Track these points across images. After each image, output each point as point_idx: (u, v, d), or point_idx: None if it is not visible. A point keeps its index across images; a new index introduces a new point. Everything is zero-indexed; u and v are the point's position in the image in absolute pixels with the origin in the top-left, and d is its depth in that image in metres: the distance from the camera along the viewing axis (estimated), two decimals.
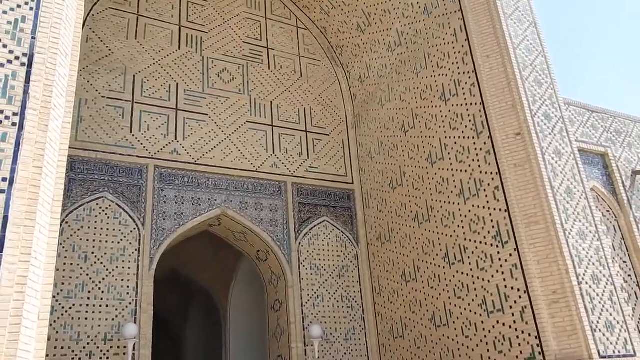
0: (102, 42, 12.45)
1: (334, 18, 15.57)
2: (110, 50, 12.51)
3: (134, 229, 11.20)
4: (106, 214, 11.02)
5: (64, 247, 10.39)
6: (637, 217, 12.70)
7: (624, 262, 12.10)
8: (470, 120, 11.09)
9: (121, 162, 11.61)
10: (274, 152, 13.86)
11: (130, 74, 12.53)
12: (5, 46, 6.01)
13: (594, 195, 12.50)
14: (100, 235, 10.83)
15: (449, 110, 11.71)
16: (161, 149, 12.25)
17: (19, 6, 6.22)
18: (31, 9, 6.27)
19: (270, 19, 15.64)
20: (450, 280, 11.07)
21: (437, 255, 11.55)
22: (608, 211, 12.62)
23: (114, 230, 10.98)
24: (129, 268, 10.87)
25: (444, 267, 11.29)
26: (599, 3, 46.32)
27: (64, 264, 10.30)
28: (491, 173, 10.39)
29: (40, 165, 5.74)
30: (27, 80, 5.98)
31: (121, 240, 11.00)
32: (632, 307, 11.60)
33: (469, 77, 11.26)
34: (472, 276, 10.48)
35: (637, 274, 12.04)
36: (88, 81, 11.89)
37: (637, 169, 13.56)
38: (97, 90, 11.92)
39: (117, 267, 10.78)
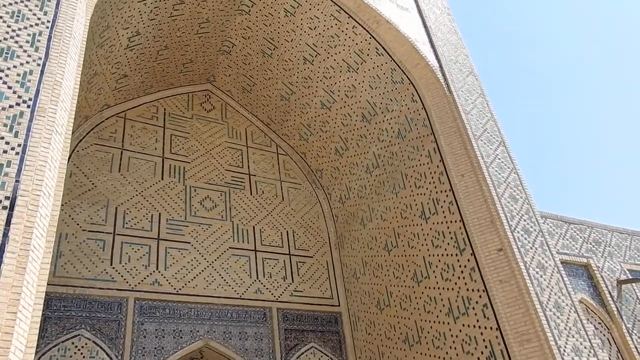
0: (85, 177, 12.64)
1: (312, 144, 16.21)
2: (93, 184, 12.67)
3: None
4: (82, 354, 10.44)
5: None
6: (629, 328, 12.47)
7: None
8: (452, 238, 11.19)
9: (100, 297, 11.26)
10: (257, 278, 13.64)
11: (112, 206, 12.60)
12: None
13: (583, 307, 12.35)
14: None
15: (430, 229, 11.84)
16: (142, 280, 11.97)
17: (4, 151, 6.36)
18: (17, 153, 6.41)
19: (251, 147, 16.22)
20: None
21: None
22: (600, 323, 12.40)
23: None
24: None
25: None
26: (563, 117, 49.35)
27: None
28: (478, 290, 10.28)
29: (14, 311, 5.52)
30: (8, 223, 5.95)
31: None
32: None
33: (447, 196, 11.56)
34: None
35: None
36: (69, 215, 11.89)
37: (622, 278, 13.58)
38: (78, 224, 11.88)
39: None
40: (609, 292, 12.92)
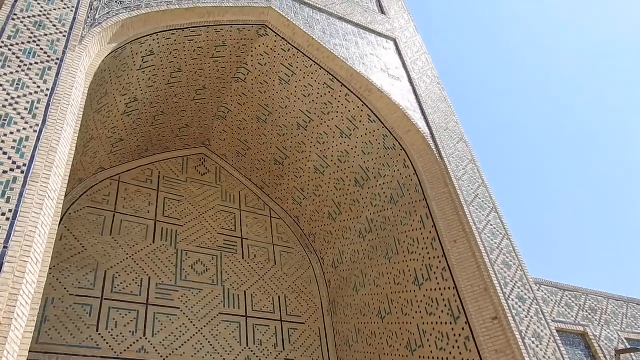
0: (76, 240, 12.54)
1: (306, 208, 16.25)
2: (83, 247, 12.55)
3: None
4: None
5: None
6: None
7: None
8: (445, 305, 11.03)
9: None
10: (247, 345, 13.27)
11: (101, 269, 12.43)
12: None
13: None
14: None
15: (424, 295, 11.69)
16: (128, 348, 11.62)
17: None
18: (7, 219, 6.39)
19: (244, 210, 16.23)
20: None
21: None
22: None
23: None
24: None
25: None
26: (554, 189, 49.93)
27: None
28: None
29: None
30: None
31: None
32: None
33: (440, 262, 11.49)
34: None
35: None
36: (57, 279, 11.69)
37: (620, 347, 13.30)
38: (65, 288, 11.66)
39: None
40: None
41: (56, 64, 8.34)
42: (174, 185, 15.40)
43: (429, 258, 11.81)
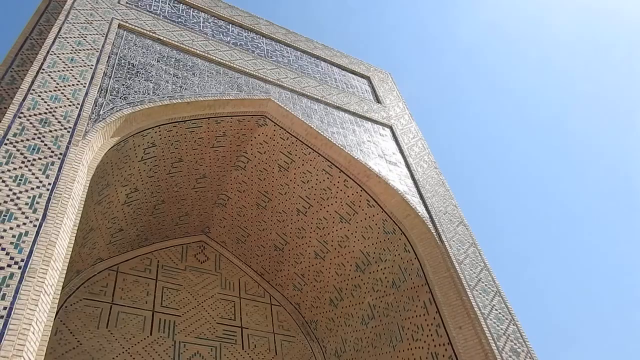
0: (71, 334, 12.21)
1: (306, 294, 15.97)
2: (78, 341, 12.20)
3: None
4: None
5: None
6: None
7: None
8: None
9: None
10: None
11: None
12: None
13: None
14: None
15: None
16: None
17: None
18: (1, 317, 6.28)
19: (244, 298, 15.94)
20: None
21: None
22: None
23: None
24: None
25: None
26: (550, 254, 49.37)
27: None
28: None
29: None
30: None
31: None
32: None
33: (446, 350, 11.14)
34: None
35: None
36: None
37: None
38: None
39: None
40: None
41: (59, 158, 8.54)
42: (173, 274, 15.23)
43: (435, 345, 11.46)
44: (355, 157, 14.06)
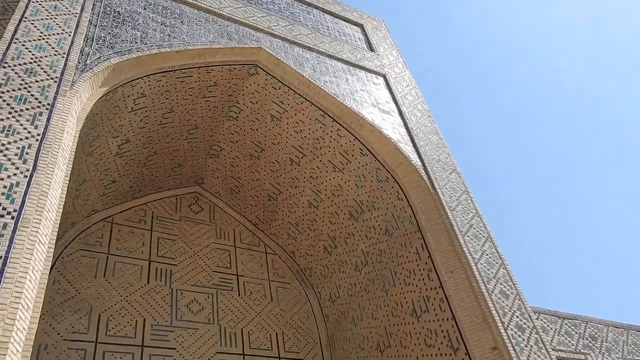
0: (69, 284, 12.42)
1: (301, 242, 16.20)
2: (77, 290, 12.42)
3: None
4: None
5: None
6: None
7: None
8: (445, 337, 10.92)
9: None
10: None
11: (95, 313, 12.27)
12: None
13: None
14: None
15: (423, 327, 11.58)
16: None
17: None
18: None
19: (239, 247, 16.16)
20: None
21: None
22: None
23: None
24: None
25: None
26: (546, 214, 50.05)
27: None
28: None
29: None
30: None
31: None
32: None
33: (437, 293, 11.43)
34: None
35: None
36: (50, 325, 11.52)
37: None
38: (59, 334, 11.48)
39: None
40: None
41: (47, 109, 8.44)
42: (168, 225, 15.36)
43: (426, 289, 11.74)
44: (348, 106, 13.94)
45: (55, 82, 9.04)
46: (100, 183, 13.28)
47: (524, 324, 10.71)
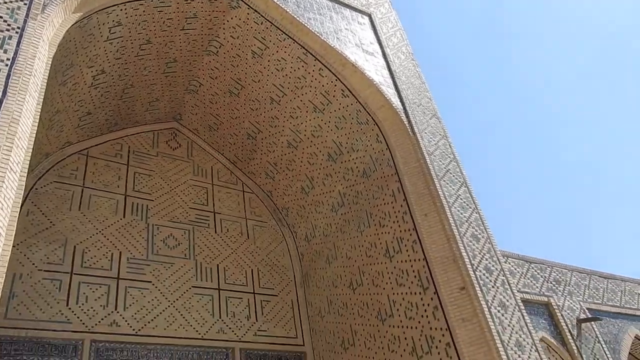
0: (43, 215, 12.34)
1: (278, 182, 16.25)
2: (51, 222, 12.37)
3: None
4: None
5: None
6: None
7: None
8: (415, 276, 11.25)
9: (54, 339, 10.83)
10: (220, 317, 13.37)
11: (70, 244, 12.28)
12: None
13: (544, 346, 12.45)
14: None
15: (395, 267, 11.89)
16: (99, 322, 11.60)
17: None
18: None
19: (216, 184, 16.15)
20: None
21: None
22: None
23: None
24: None
25: None
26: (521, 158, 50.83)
27: None
28: (441, 329, 10.30)
29: None
30: None
31: None
32: None
33: (410, 235, 11.67)
34: None
35: None
36: (25, 255, 11.52)
37: (581, 317, 13.79)
38: (33, 264, 11.51)
39: None
40: (569, 331, 13.08)
41: (17, 33, 8.08)
42: (145, 160, 15.21)
43: (400, 231, 11.98)
44: (332, 45, 13.65)
45: (25, 4, 8.62)
46: (75, 114, 12.96)
47: (493, 266, 11.08)
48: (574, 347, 12.79)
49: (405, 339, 11.09)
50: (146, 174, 14.90)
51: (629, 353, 14.68)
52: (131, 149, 15.19)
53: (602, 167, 51.85)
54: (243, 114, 15.72)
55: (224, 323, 13.32)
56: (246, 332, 13.53)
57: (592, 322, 13.68)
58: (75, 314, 11.40)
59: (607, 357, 13.27)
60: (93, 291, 11.92)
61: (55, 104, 11.64)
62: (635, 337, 15.13)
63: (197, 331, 12.77)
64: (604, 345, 13.53)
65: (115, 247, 12.92)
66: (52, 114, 11.82)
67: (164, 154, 15.79)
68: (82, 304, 11.61)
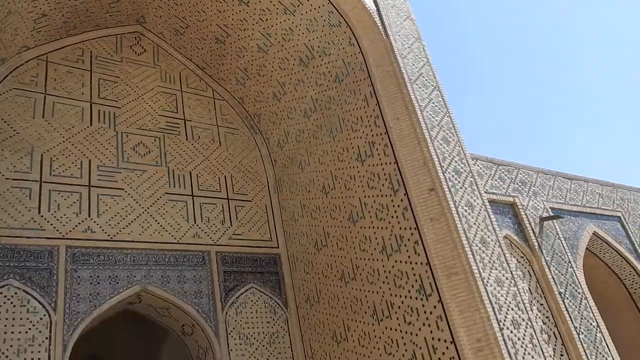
0: (5, 123, 11.94)
1: (249, 88, 15.92)
2: (15, 130, 12.01)
3: (44, 315, 10.39)
4: (12, 303, 10.18)
5: None
6: (548, 261, 13.38)
7: (541, 304, 12.60)
8: (386, 179, 11.47)
9: (29, 246, 10.90)
10: (195, 222, 13.57)
11: (37, 153, 12.03)
12: None
13: (507, 243, 13.09)
14: (5, 326, 9.94)
15: (366, 171, 12.07)
16: (73, 228, 11.66)
17: None
18: None
19: (185, 91, 15.75)
20: (380, 338, 11.03)
21: (365, 313, 11.54)
22: (522, 257, 13.22)
23: (20, 319, 10.13)
24: (38, 359, 9.98)
25: (372, 325, 11.27)
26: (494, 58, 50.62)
27: None
28: (410, 228, 10.68)
29: None
30: None
31: (30, 329, 10.14)
32: (552, 347, 11.99)
33: (382, 139, 11.75)
34: (401, 331, 10.51)
35: (554, 315, 12.54)
36: None
37: (544, 215, 14.43)
38: (0, 173, 11.30)
39: (25, 359, 9.87)
40: (532, 229, 13.73)
41: None
42: (109, 66, 14.61)
43: (372, 135, 12.03)
44: None
45: None
46: (29, 16, 12.20)
47: (462, 168, 11.33)
48: (535, 243, 13.49)
49: (376, 238, 11.50)
50: (111, 81, 14.39)
51: (586, 248, 15.57)
52: (93, 54, 14.53)
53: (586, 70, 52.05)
54: (210, 17, 15.03)
55: (199, 228, 13.55)
56: (221, 236, 13.82)
57: (554, 220, 14.36)
58: (48, 221, 11.41)
59: (566, 252, 14.08)
60: (64, 199, 11.87)
61: (6, 4, 10.90)
62: (593, 233, 16.00)
63: (172, 236, 12.98)
64: (563, 242, 14.29)
65: (84, 155, 12.72)
66: (3, 15, 11.10)
67: (128, 59, 15.18)
68: (55, 212, 11.59)
